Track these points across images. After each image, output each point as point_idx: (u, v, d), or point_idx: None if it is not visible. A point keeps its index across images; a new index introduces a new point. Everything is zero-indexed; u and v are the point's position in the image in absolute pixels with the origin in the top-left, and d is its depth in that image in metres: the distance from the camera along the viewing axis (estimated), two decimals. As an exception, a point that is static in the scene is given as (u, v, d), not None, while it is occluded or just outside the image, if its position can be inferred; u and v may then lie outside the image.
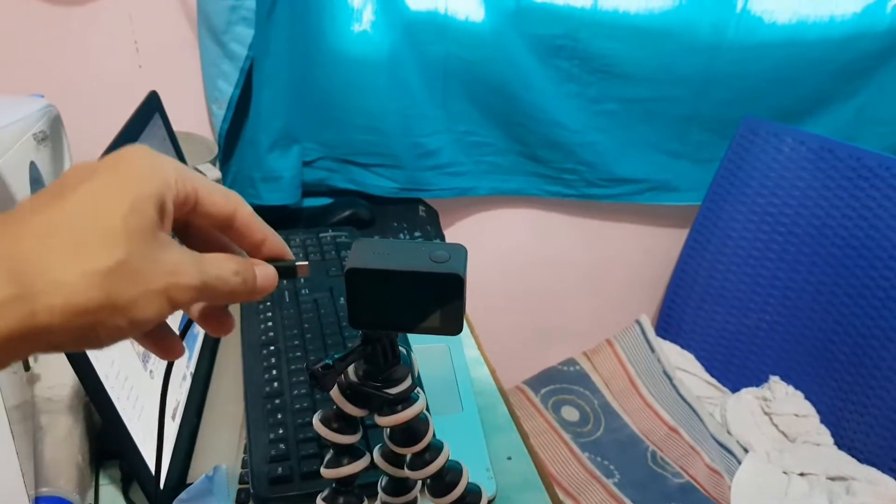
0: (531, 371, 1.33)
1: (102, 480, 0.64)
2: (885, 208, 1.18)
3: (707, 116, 1.24)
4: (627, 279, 1.47)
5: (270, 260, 0.37)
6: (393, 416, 0.42)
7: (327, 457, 0.45)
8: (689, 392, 1.27)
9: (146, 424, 0.60)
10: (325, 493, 0.47)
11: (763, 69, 1.19)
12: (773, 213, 1.29)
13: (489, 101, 1.17)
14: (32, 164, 0.69)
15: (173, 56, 1.05)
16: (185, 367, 0.72)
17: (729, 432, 1.23)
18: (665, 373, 1.30)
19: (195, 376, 0.73)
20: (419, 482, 0.48)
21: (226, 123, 1.07)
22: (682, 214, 1.38)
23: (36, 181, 0.70)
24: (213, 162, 0.99)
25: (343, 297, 0.63)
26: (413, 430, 0.43)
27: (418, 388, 0.43)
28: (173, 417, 0.66)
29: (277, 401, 0.68)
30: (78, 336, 0.28)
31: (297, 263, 0.38)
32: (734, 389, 1.32)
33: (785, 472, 1.13)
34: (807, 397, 1.26)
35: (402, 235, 1.12)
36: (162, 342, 0.35)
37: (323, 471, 0.45)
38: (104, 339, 0.29)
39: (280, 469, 0.61)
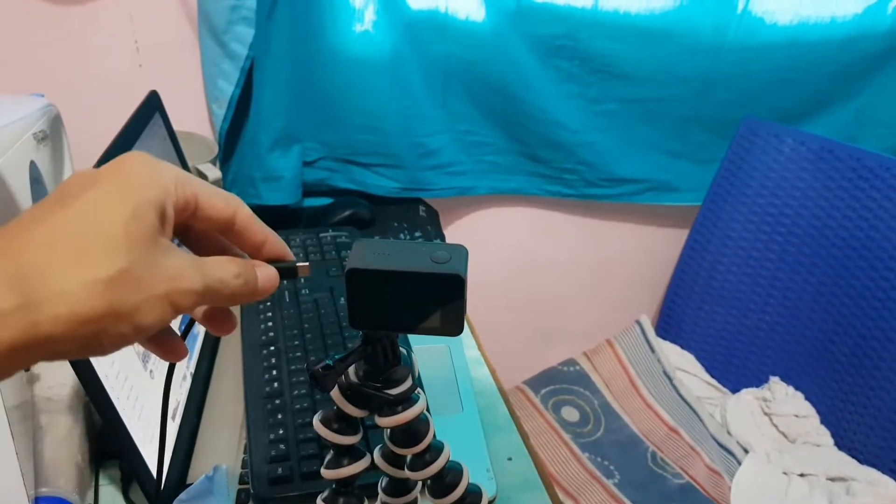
0: (531, 371, 1.33)
1: (102, 480, 0.64)
2: (885, 209, 1.17)
3: (707, 117, 1.24)
4: (627, 279, 1.47)
5: (271, 261, 0.37)
6: (393, 416, 0.42)
7: (327, 457, 0.45)
8: (690, 392, 1.27)
9: (146, 424, 0.60)
10: (326, 493, 0.47)
11: (764, 70, 1.19)
12: (774, 214, 1.29)
13: (489, 101, 1.17)
14: (32, 164, 0.70)
15: (173, 56, 1.05)
16: (185, 367, 0.72)
17: (729, 433, 1.23)
18: (665, 373, 1.30)
19: (195, 376, 0.73)
20: (419, 483, 0.48)
21: (226, 123, 1.06)
22: (683, 215, 1.38)
23: (36, 180, 0.70)
24: (213, 162, 0.99)
25: (343, 297, 0.63)
26: (413, 431, 0.43)
27: (419, 389, 0.43)
28: (173, 417, 0.66)
29: (277, 401, 0.68)
30: (82, 345, 0.28)
31: (298, 264, 0.38)
32: (734, 390, 1.32)
33: (785, 473, 1.13)
34: (807, 398, 1.26)
35: (402, 235, 1.12)
36: (164, 344, 0.36)
37: (323, 471, 0.45)
38: (108, 346, 0.29)
39: (280, 469, 0.61)
